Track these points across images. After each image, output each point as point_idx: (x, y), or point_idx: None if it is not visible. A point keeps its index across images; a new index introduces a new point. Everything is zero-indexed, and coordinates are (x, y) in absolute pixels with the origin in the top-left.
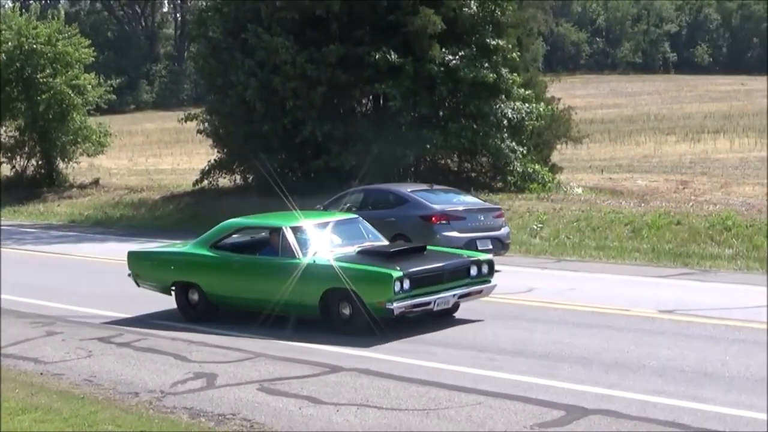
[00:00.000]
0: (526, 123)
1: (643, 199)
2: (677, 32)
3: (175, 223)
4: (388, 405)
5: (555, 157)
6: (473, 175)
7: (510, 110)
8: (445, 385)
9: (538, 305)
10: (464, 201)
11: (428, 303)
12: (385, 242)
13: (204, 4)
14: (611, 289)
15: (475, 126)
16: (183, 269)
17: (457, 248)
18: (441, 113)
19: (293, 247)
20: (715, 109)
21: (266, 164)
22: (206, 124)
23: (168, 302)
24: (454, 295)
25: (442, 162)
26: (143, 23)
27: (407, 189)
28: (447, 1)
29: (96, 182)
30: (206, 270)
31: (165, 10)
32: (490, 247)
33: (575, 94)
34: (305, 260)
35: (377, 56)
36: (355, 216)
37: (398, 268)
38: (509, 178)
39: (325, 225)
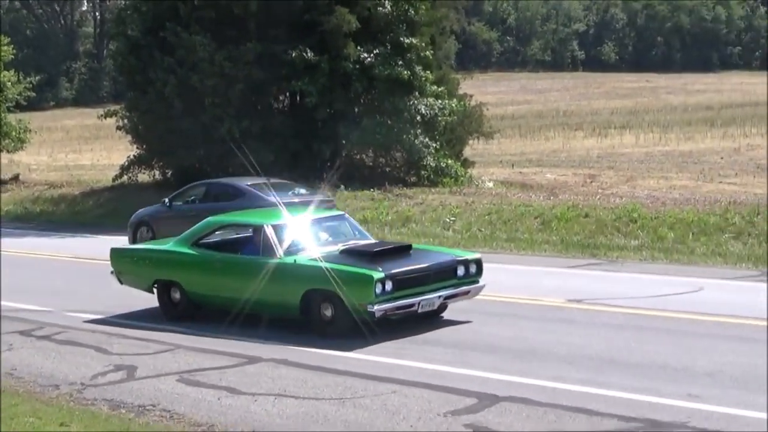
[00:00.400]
0: (439, 119)
1: (552, 192)
2: (585, 31)
3: (95, 218)
4: (305, 394)
5: (467, 152)
6: (388, 169)
7: (423, 106)
8: (361, 374)
9: None
10: (298, 193)
11: (412, 305)
12: (372, 240)
13: (123, 2)
14: (522, 279)
15: (389, 122)
16: (164, 267)
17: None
18: (356, 109)
19: (274, 246)
20: (621, 105)
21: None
22: (126, 121)
23: (85, 293)
24: (439, 297)
25: (358, 157)
26: (62, 21)
27: (245, 182)
28: (362, 0)
29: (16, 178)
30: (187, 268)
31: (84, 8)
32: None
33: (487, 90)
34: (286, 259)
35: (294, 54)
36: (341, 213)
37: (380, 269)
38: (423, 172)
39: (308, 223)
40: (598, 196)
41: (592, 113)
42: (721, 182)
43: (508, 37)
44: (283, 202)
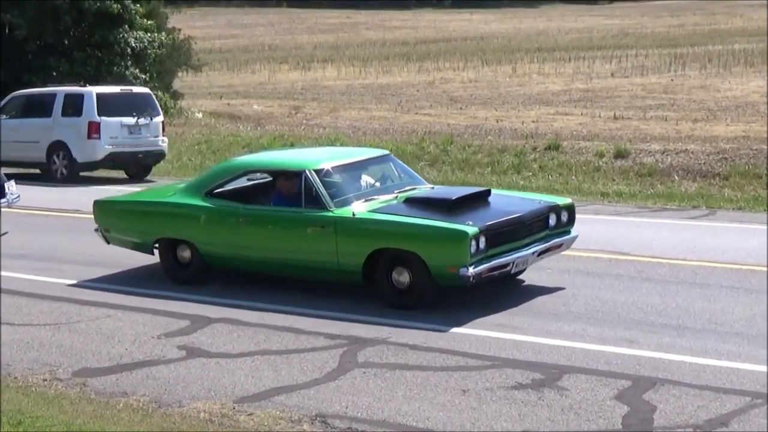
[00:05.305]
0: (149, 52)
1: (259, 123)
2: None
3: None
4: (21, 321)
5: (176, 84)
6: None
7: (133, 39)
8: (75, 300)
9: None
10: None
11: (506, 265)
12: (427, 185)
13: None
14: None
15: (99, 54)
16: (171, 223)
17: None
18: (67, 42)
19: (322, 196)
20: (323, 40)
21: None
22: None
23: None
24: (533, 253)
25: None
26: None
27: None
28: None
29: None
30: (203, 224)
31: None
32: None
33: (194, 25)
34: (340, 212)
35: None
36: (386, 153)
37: (470, 223)
38: None
39: (354, 166)
40: (303, 127)
41: (296, 47)
42: (417, 113)
43: None
44: None
